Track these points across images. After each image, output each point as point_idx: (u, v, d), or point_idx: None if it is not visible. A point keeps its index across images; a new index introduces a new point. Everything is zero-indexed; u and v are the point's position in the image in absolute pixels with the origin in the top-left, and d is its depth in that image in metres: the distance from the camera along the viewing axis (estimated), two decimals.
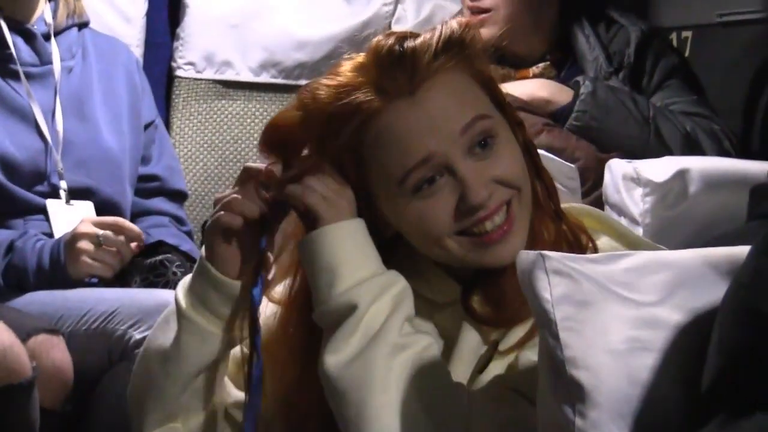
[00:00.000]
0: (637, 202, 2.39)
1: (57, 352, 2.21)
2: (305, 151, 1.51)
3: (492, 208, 1.47)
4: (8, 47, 2.57)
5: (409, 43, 1.47)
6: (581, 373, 1.22)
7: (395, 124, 1.46)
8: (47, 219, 2.54)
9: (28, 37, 2.61)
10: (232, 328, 1.55)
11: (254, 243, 1.53)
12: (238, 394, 1.60)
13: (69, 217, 2.53)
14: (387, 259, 1.49)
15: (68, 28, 2.69)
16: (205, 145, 3.21)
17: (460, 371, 1.49)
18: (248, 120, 3.25)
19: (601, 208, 2.48)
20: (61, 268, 2.42)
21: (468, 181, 1.45)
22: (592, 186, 2.67)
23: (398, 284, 1.46)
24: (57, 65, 2.62)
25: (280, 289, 1.59)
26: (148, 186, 2.75)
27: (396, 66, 1.45)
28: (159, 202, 2.76)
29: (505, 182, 1.48)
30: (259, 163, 1.54)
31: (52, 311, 2.33)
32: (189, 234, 2.75)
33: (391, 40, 1.47)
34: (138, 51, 3.12)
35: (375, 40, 1.49)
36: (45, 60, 2.62)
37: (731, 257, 1.29)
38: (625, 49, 2.92)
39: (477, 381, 1.48)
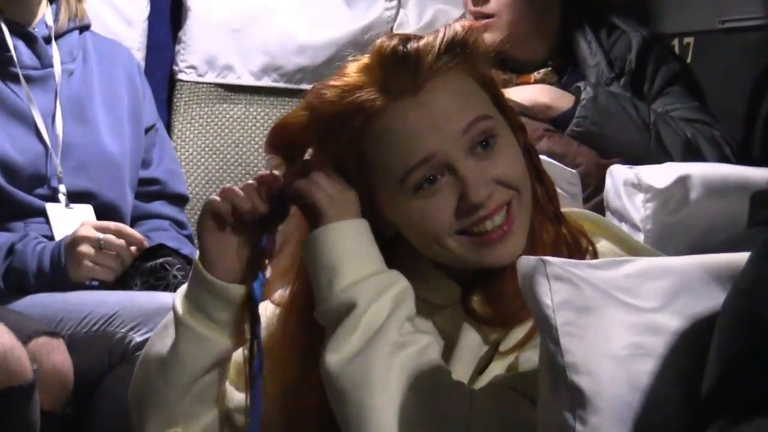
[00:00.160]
0: (638, 208, 2.39)
1: (57, 354, 2.21)
2: (310, 151, 1.52)
3: (492, 208, 1.48)
4: (9, 50, 2.57)
5: (413, 44, 1.48)
6: (582, 378, 1.22)
7: (398, 123, 1.47)
8: (48, 222, 2.54)
9: (29, 40, 2.61)
10: (233, 332, 1.55)
11: (251, 244, 1.54)
12: (239, 398, 1.60)
13: (69, 220, 2.53)
14: (387, 260, 1.50)
15: (69, 31, 2.69)
16: (207, 149, 3.22)
17: (461, 372, 1.49)
18: (249, 124, 3.25)
19: (602, 213, 2.48)
20: (61, 271, 2.42)
21: (469, 180, 1.46)
22: (593, 191, 2.67)
23: (399, 283, 1.47)
24: (58, 68, 2.62)
25: (280, 291, 1.59)
26: (149, 189, 2.75)
27: (399, 66, 1.47)
28: (159, 206, 2.76)
29: (506, 183, 1.49)
30: (264, 170, 1.55)
31: (52, 314, 2.33)
32: (189, 238, 2.75)
33: (394, 41, 1.49)
34: (139, 54, 3.12)
35: (378, 41, 1.51)
36: (46, 63, 2.62)
37: (732, 263, 1.30)
38: (626, 55, 2.92)
39: (477, 381, 1.49)
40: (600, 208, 2.53)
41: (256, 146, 3.22)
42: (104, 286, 2.46)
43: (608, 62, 2.90)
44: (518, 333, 1.49)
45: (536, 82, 2.90)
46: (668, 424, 1.23)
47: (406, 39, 1.49)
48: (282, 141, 1.53)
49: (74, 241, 2.42)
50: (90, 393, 2.24)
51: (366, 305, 1.44)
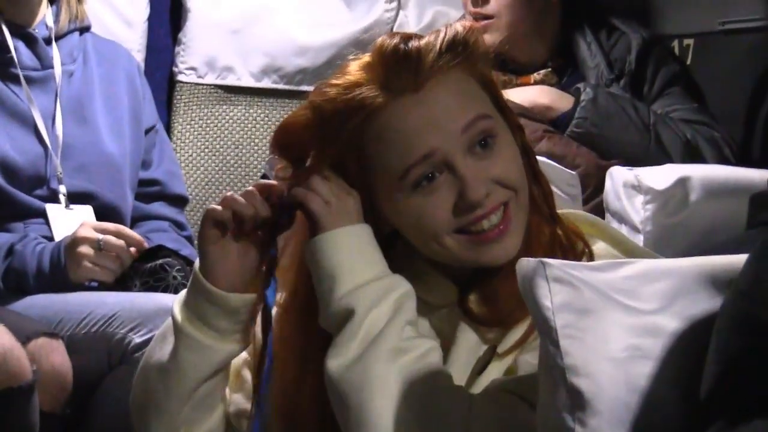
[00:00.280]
0: (638, 210, 2.39)
1: (57, 355, 2.21)
2: (313, 153, 1.52)
3: (489, 207, 1.48)
4: (9, 51, 2.57)
5: (414, 43, 1.49)
6: (581, 380, 1.22)
7: (398, 121, 1.48)
8: (47, 223, 2.54)
9: (30, 41, 2.61)
10: (234, 339, 1.55)
11: (260, 251, 1.54)
12: (239, 403, 1.61)
13: (69, 221, 2.53)
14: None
15: (70, 32, 2.69)
16: (206, 150, 3.22)
17: (458, 372, 1.49)
18: (249, 125, 3.25)
19: (602, 214, 2.48)
20: (61, 272, 2.42)
21: (467, 178, 1.47)
22: (592, 192, 2.67)
23: (400, 288, 1.47)
24: (58, 69, 2.63)
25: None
26: (149, 190, 2.75)
27: (401, 64, 1.48)
28: (159, 207, 2.76)
29: (503, 183, 1.50)
30: (265, 172, 1.55)
31: (51, 315, 2.33)
32: (189, 239, 2.75)
33: (396, 39, 1.50)
34: (139, 56, 3.13)
35: (380, 39, 1.52)
36: (46, 64, 2.62)
37: (731, 265, 1.29)
38: (626, 56, 2.93)
39: (476, 382, 1.49)
40: (600, 209, 2.53)
41: (256, 147, 3.22)
42: (104, 287, 2.46)
43: (608, 63, 2.91)
44: (516, 334, 1.50)
45: (536, 83, 2.90)
46: (667, 425, 1.23)
47: (407, 37, 1.50)
48: (286, 141, 1.54)
49: (74, 241, 2.42)
50: (89, 394, 2.24)
51: (365, 312, 1.44)
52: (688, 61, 3.08)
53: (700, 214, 2.36)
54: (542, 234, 1.54)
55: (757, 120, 2.86)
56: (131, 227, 2.62)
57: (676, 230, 2.37)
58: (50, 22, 2.65)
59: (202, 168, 3.20)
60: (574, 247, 1.54)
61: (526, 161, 1.55)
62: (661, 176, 2.39)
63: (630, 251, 1.55)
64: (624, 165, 2.53)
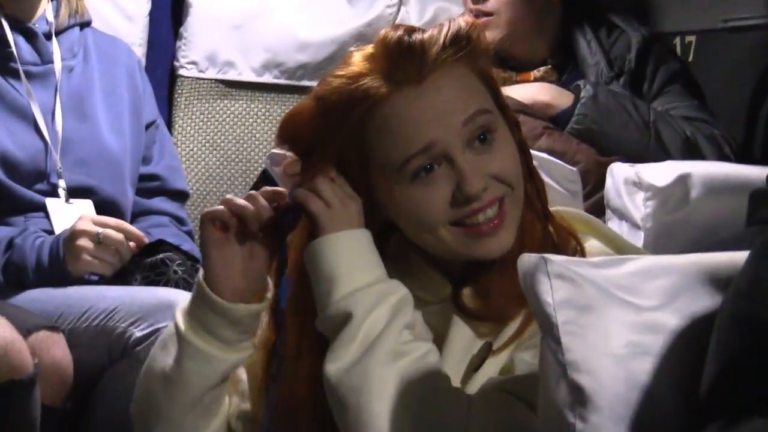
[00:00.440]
0: (638, 207, 2.39)
1: (57, 349, 2.21)
2: (318, 148, 1.52)
3: (486, 201, 1.49)
4: (9, 46, 2.57)
5: (418, 35, 1.50)
6: (582, 377, 1.22)
7: (400, 112, 1.49)
8: (48, 217, 2.54)
9: (30, 35, 2.61)
10: (239, 348, 1.55)
11: (269, 253, 1.54)
12: (236, 404, 1.61)
13: (69, 215, 2.53)
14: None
15: (70, 27, 2.69)
16: (207, 145, 3.21)
17: (452, 368, 1.50)
18: (250, 120, 3.25)
19: (602, 211, 2.48)
20: (60, 265, 2.42)
21: (465, 171, 1.48)
22: (592, 189, 2.67)
23: (398, 292, 1.48)
24: (58, 64, 2.62)
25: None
26: (149, 185, 2.75)
27: (405, 55, 1.48)
28: (160, 202, 2.76)
29: (500, 178, 1.51)
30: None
31: (52, 308, 2.33)
32: (190, 234, 2.75)
33: (399, 32, 1.50)
34: (140, 50, 3.13)
35: (383, 31, 1.53)
36: (46, 59, 2.62)
37: (732, 262, 1.29)
38: (626, 54, 2.93)
39: (472, 380, 1.50)
40: (600, 206, 2.53)
41: (257, 142, 3.22)
42: (104, 281, 2.47)
43: (608, 61, 2.91)
44: (510, 330, 1.51)
45: (536, 80, 2.90)
46: (667, 422, 1.23)
47: (410, 30, 1.51)
48: (291, 133, 1.54)
49: (73, 234, 2.42)
50: (90, 388, 2.25)
51: (363, 315, 1.45)
52: (690, 59, 3.08)
53: (700, 211, 2.36)
54: (535, 230, 1.56)
55: (759, 118, 2.86)
56: (132, 222, 2.62)
57: (677, 227, 2.37)
58: (50, 17, 2.65)
59: (203, 163, 3.20)
60: (566, 245, 1.55)
61: (522, 158, 1.56)
62: (662, 173, 2.39)
63: (622, 249, 1.57)
64: (624, 162, 2.53)
